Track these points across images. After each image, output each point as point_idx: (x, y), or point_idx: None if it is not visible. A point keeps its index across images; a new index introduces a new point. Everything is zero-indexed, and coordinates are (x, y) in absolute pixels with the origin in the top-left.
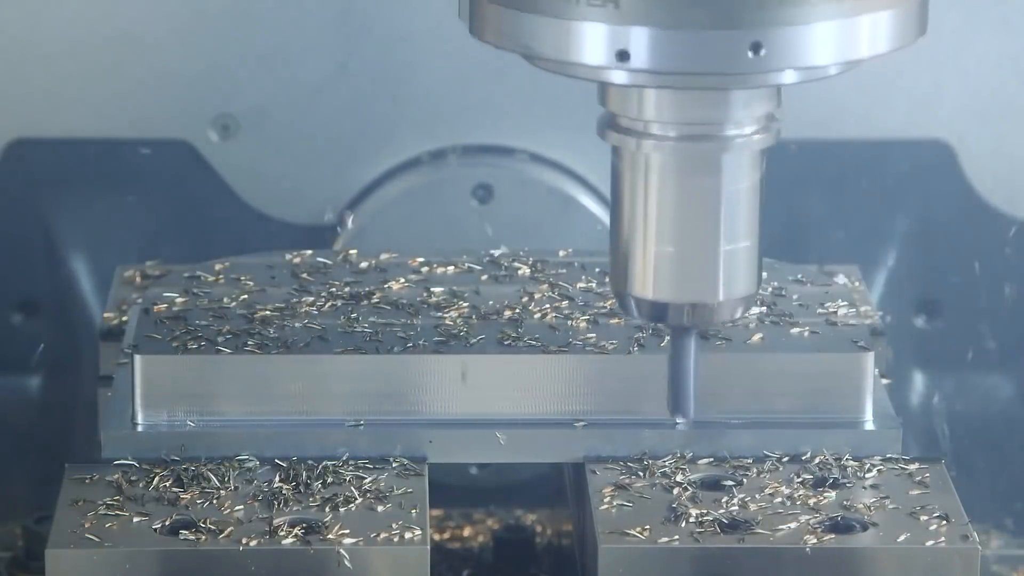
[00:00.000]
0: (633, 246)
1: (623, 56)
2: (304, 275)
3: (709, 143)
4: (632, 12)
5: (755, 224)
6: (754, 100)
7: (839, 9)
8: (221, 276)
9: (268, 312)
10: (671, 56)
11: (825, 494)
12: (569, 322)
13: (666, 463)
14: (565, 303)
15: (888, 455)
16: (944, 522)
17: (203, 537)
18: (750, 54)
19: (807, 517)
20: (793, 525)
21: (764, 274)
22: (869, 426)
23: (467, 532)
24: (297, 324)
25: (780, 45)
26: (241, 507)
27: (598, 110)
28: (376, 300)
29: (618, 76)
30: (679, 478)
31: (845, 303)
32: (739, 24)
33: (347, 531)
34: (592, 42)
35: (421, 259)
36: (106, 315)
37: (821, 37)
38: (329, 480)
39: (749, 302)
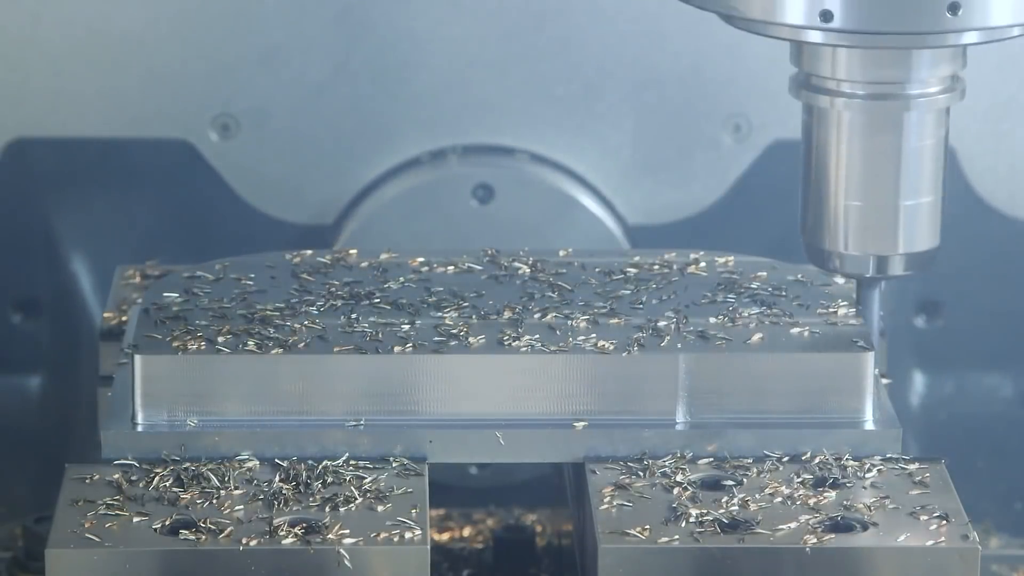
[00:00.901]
0: (823, 199)
1: (826, 16)
2: (304, 275)
3: (897, 101)
4: None
5: (938, 181)
6: (942, 60)
7: None
8: (221, 276)
9: (268, 312)
10: (872, 15)
11: (825, 494)
12: (569, 322)
13: (666, 463)
14: (565, 303)
15: (888, 455)
16: (944, 522)
17: (203, 537)
18: (948, 14)
19: (807, 517)
20: (793, 525)
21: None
22: (869, 426)
23: (467, 532)
24: (297, 324)
25: (975, 5)
26: (241, 507)
27: (598, 110)
28: (376, 300)
29: (818, 36)
30: (679, 478)
31: (845, 303)
32: None
33: (347, 531)
34: (796, 2)
35: (421, 259)
36: (106, 315)
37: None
38: (329, 480)
39: (930, 256)
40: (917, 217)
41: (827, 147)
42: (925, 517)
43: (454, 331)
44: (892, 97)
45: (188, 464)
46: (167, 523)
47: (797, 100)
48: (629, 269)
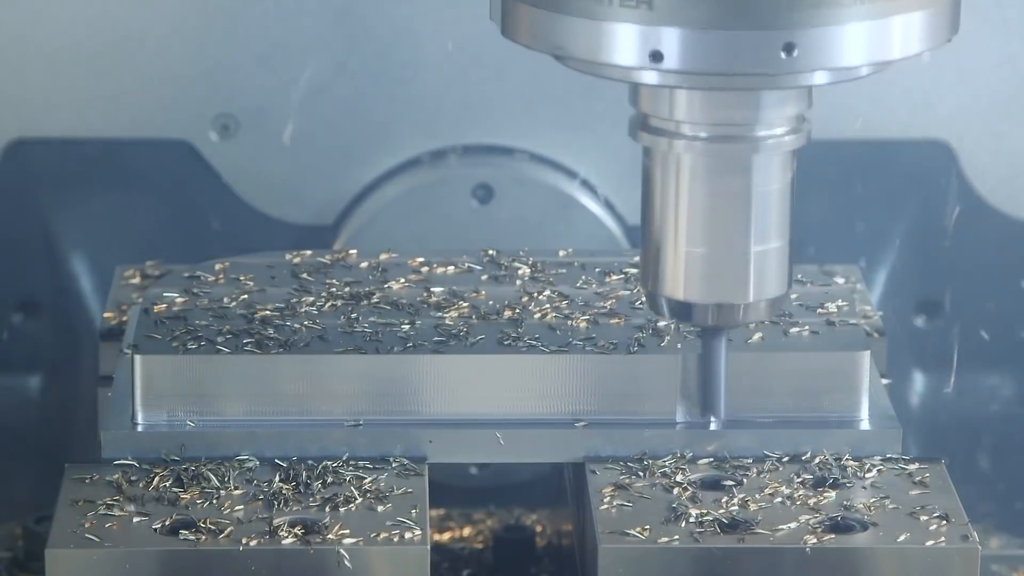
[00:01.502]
0: (664, 246)
1: (656, 56)
2: (304, 275)
3: (740, 144)
4: (665, 13)
5: (786, 225)
6: (785, 101)
7: (871, 10)
8: (221, 276)
9: (268, 312)
10: (704, 57)
11: (825, 494)
12: (569, 322)
13: (666, 463)
14: (565, 303)
15: (888, 455)
16: (944, 522)
17: (203, 537)
18: (783, 55)
19: (807, 517)
20: (793, 525)
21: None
22: (865, 425)
23: (467, 532)
24: (297, 324)
25: (813, 46)
26: (241, 507)
27: (598, 110)
28: (376, 300)
29: (651, 76)
30: (679, 478)
31: (845, 303)
32: (772, 25)
33: (347, 531)
34: (625, 43)
35: (421, 259)
36: (106, 315)
37: (853, 38)
38: (329, 480)
39: (779, 303)
40: (766, 263)
41: (668, 191)
42: (925, 517)
43: (454, 331)
44: (736, 139)
45: (188, 464)
46: (167, 523)
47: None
48: (629, 269)
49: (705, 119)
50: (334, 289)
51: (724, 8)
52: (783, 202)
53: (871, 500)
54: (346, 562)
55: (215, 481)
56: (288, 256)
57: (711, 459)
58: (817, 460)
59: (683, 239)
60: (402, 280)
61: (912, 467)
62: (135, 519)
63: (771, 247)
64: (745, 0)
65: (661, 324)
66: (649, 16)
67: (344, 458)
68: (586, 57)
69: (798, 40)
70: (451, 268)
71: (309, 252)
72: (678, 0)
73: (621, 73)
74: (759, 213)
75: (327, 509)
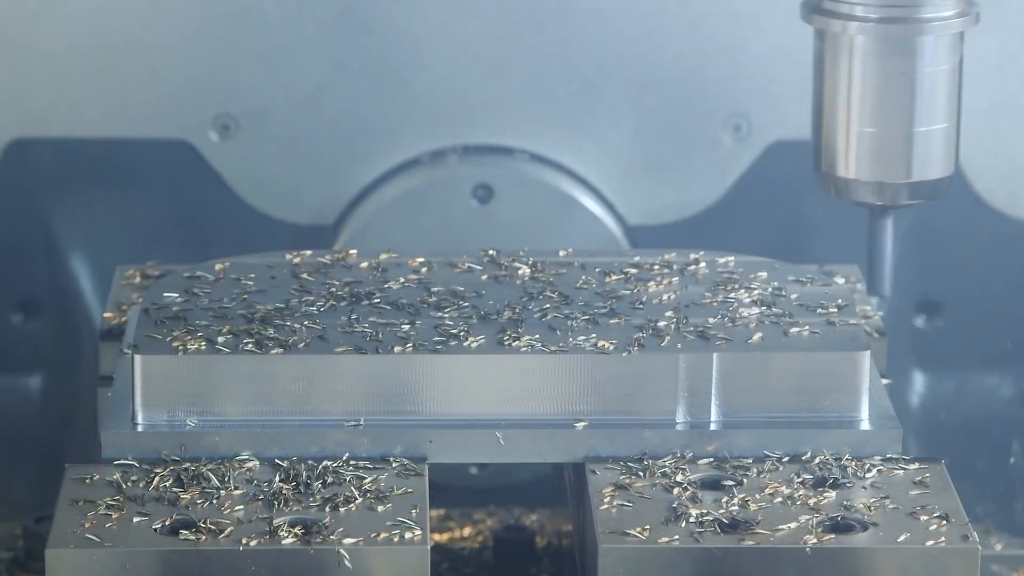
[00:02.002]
0: (835, 126)
1: None
2: (304, 275)
3: (911, 25)
4: None
5: (953, 107)
6: None
7: None
8: (221, 276)
9: (268, 312)
10: None
11: (825, 494)
12: (569, 322)
13: (666, 463)
14: (565, 303)
15: (888, 455)
16: (944, 522)
17: (203, 537)
18: None
19: (807, 517)
20: (793, 525)
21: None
22: (865, 425)
23: (467, 532)
24: (297, 324)
25: None
26: (241, 507)
27: (598, 110)
28: (376, 300)
29: None
30: (679, 478)
31: (845, 303)
32: None
33: (347, 531)
34: None
35: (421, 259)
36: (106, 315)
37: None
38: (329, 480)
39: (945, 184)
40: (930, 144)
41: (839, 73)
42: (925, 517)
43: (454, 331)
44: (906, 21)
45: (188, 464)
46: (167, 523)
47: (808, 25)
48: (629, 269)
49: (876, 0)
50: (334, 289)
51: None
52: (951, 84)
53: (871, 500)
54: (346, 562)
55: (215, 481)
56: (288, 256)
57: (711, 459)
58: (817, 460)
59: (854, 119)
60: (402, 280)
61: (912, 467)
62: (135, 519)
63: (936, 128)
64: None
65: (661, 324)
66: None
67: (344, 458)
68: None
69: None
70: (451, 268)
71: (309, 252)
72: None
73: None
74: (925, 94)
75: (327, 509)
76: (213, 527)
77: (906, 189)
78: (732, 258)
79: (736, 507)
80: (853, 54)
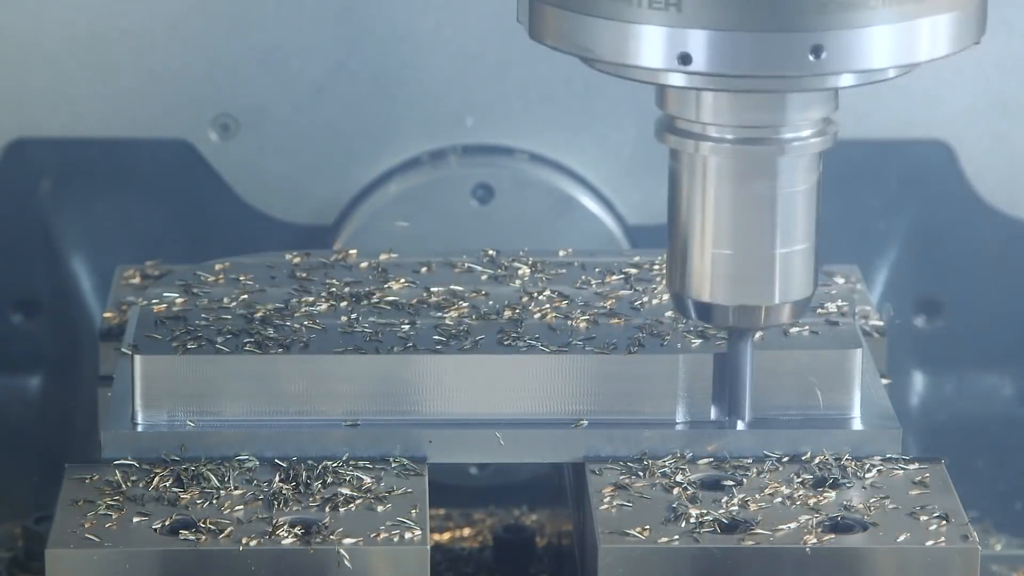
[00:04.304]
0: (689, 248)
1: (685, 59)
2: (304, 275)
3: (767, 146)
4: (694, 15)
5: (812, 227)
6: (812, 103)
7: (898, 12)
8: (221, 276)
9: (268, 312)
10: (733, 59)
11: (825, 494)
12: (569, 322)
13: (666, 463)
14: (565, 303)
15: (888, 455)
16: (944, 522)
17: (203, 537)
18: (811, 57)
19: (807, 517)
20: (793, 525)
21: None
22: (858, 423)
23: (467, 532)
24: (297, 324)
25: (841, 48)
26: (241, 507)
27: (598, 110)
28: (376, 300)
29: (679, 79)
30: (679, 478)
31: (845, 303)
32: (801, 27)
33: (347, 531)
34: (653, 45)
35: (421, 259)
36: (106, 315)
37: (881, 41)
38: (329, 480)
39: (805, 305)
40: (792, 265)
41: (694, 194)
42: (925, 517)
43: (454, 331)
44: (763, 142)
45: (188, 464)
46: (167, 523)
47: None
48: (629, 269)
49: (732, 121)
50: (334, 289)
51: (752, 10)
52: (809, 204)
53: (871, 500)
54: (346, 562)
55: (215, 481)
56: (288, 256)
57: (711, 459)
58: (817, 460)
59: (709, 241)
60: (402, 280)
61: (912, 467)
62: (135, 519)
63: (796, 249)
64: (773, 2)
65: (661, 324)
66: (678, 18)
67: (344, 458)
68: (614, 59)
69: (826, 42)
70: (451, 268)
71: (309, 252)
72: (706, 2)
73: (649, 75)
74: (784, 216)
75: (327, 509)
76: (213, 527)
77: (772, 311)
78: None
79: (736, 507)
80: (707, 175)
